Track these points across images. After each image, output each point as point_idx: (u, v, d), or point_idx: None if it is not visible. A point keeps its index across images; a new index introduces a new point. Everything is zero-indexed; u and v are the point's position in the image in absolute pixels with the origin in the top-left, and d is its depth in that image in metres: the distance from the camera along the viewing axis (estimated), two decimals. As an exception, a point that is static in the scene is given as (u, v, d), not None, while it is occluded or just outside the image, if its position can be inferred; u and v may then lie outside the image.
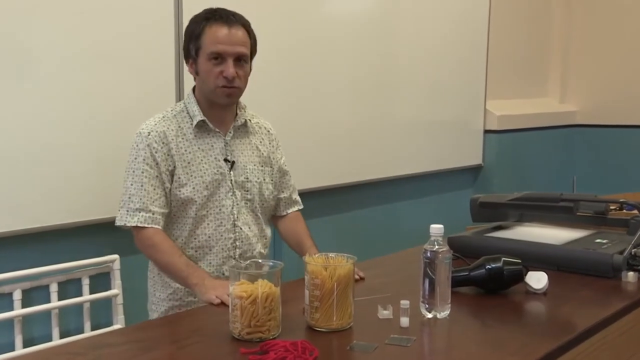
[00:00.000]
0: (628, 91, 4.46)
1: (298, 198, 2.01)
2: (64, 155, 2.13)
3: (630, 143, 4.46)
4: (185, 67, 2.37)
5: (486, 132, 4.06)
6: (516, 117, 4.19)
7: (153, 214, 1.71)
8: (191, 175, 1.75)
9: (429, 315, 1.43)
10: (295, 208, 2.00)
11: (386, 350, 1.26)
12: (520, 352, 1.26)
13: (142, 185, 1.72)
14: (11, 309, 2.06)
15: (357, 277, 1.69)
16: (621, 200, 2.08)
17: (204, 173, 1.76)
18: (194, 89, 1.84)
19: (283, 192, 1.96)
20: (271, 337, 1.30)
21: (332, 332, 1.35)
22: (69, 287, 2.21)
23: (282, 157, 1.96)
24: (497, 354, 1.26)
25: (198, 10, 2.41)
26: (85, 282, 2.23)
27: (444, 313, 1.44)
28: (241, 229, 1.81)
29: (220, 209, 1.79)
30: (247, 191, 1.83)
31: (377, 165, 3.32)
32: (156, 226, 1.72)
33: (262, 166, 1.87)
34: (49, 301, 2.14)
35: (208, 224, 1.78)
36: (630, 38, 4.43)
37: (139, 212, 1.71)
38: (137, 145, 1.76)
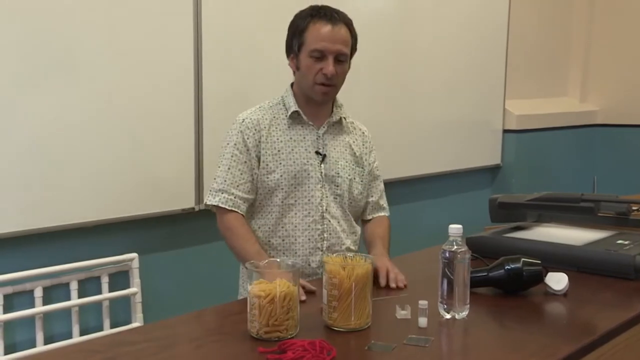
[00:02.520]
0: (649, 90, 4.41)
1: (385, 204, 2.01)
2: (84, 154, 2.15)
3: (652, 143, 4.42)
4: (204, 69, 2.43)
5: (505, 131, 4.03)
6: (535, 117, 4.16)
7: (234, 197, 1.74)
8: (280, 163, 1.77)
9: (447, 316, 1.43)
10: (382, 213, 1.99)
11: (404, 351, 1.26)
12: (539, 353, 1.25)
13: (228, 169, 1.75)
14: (32, 306, 2.09)
15: (392, 284, 1.66)
16: (643, 200, 2.07)
17: (294, 162, 1.78)
18: (292, 85, 1.86)
19: (372, 196, 1.96)
20: (289, 337, 1.30)
21: (350, 332, 1.35)
22: (88, 285, 2.24)
23: (375, 162, 1.97)
24: (516, 356, 1.25)
25: (216, 12, 2.44)
26: (105, 280, 2.26)
27: (462, 314, 1.43)
28: (330, 221, 1.81)
29: (309, 199, 1.79)
30: (337, 186, 1.83)
31: (395, 165, 3.31)
32: (236, 210, 1.75)
33: (354, 165, 1.88)
34: (69, 299, 2.17)
35: (296, 214, 1.79)
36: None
37: (221, 192, 1.74)
38: (231, 132, 1.80)
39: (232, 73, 2.52)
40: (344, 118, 1.89)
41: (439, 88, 3.53)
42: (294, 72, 1.82)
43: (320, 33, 1.72)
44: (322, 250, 1.80)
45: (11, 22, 1.97)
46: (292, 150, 1.79)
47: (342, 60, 1.76)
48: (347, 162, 1.86)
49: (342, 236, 1.83)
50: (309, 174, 1.79)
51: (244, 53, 2.55)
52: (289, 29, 1.80)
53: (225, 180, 1.75)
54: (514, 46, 4.02)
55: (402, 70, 3.30)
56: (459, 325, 1.42)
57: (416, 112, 3.40)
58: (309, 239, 1.79)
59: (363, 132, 1.95)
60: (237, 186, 1.75)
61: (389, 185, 3.37)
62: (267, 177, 1.77)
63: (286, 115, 1.81)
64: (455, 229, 1.43)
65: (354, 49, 1.81)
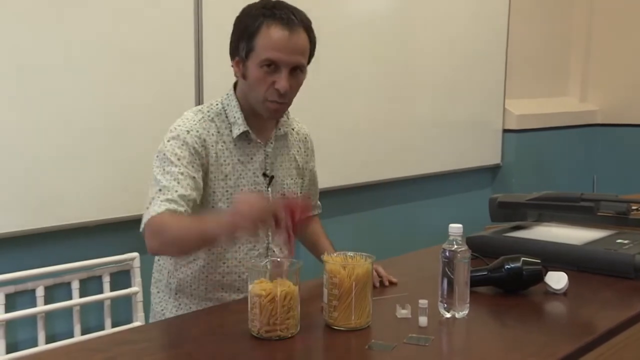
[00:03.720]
0: (649, 90, 4.42)
1: (319, 203, 1.92)
2: (85, 155, 2.15)
3: (652, 143, 4.42)
4: (205, 67, 2.42)
5: (505, 131, 4.04)
6: (535, 117, 4.17)
7: (186, 210, 1.45)
8: (226, 191, 1.55)
9: (448, 315, 1.43)
10: (316, 212, 1.89)
11: (404, 350, 1.26)
12: (540, 353, 1.26)
13: (178, 182, 1.45)
14: (34, 305, 2.09)
15: (386, 283, 1.67)
16: (643, 200, 2.08)
17: (241, 190, 1.57)
18: (235, 86, 1.61)
19: (309, 198, 1.83)
20: (290, 335, 1.31)
21: (351, 331, 1.35)
22: (90, 285, 2.24)
23: (314, 165, 1.81)
24: (516, 355, 1.25)
25: (217, 8, 2.44)
26: (106, 280, 2.26)
27: (462, 313, 1.43)
28: (274, 251, 1.66)
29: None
30: None
31: (395, 164, 3.32)
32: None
33: (297, 178, 1.72)
34: (70, 298, 2.17)
35: (240, 247, 1.61)
36: (652, 36, 4.40)
37: (169, 203, 1.42)
38: (172, 143, 1.50)
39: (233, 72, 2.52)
40: (291, 128, 1.69)
41: (439, 88, 3.53)
42: (237, 78, 1.58)
43: (274, 40, 1.45)
44: None
45: (10, 20, 1.97)
46: (240, 176, 1.57)
47: (299, 70, 1.51)
48: (292, 178, 1.69)
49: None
50: None
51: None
52: (236, 27, 1.53)
53: (176, 191, 1.44)
54: (514, 46, 4.02)
55: (402, 70, 3.30)
56: (459, 324, 1.42)
57: (416, 112, 3.41)
58: (253, 249, 1.63)
59: (305, 137, 1.75)
60: (188, 201, 1.45)
61: (390, 184, 3.40)
62: (213, 207, 1.54)
63: (231, 131, 1.56)
64: (455, 228, 1.43)
65: (312, 54, 1.56)
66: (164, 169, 1.48)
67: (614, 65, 4.54)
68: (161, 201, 1.43)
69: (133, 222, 2.29)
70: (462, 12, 3.62)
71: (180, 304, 1.65)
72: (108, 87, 2.19)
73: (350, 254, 1.43)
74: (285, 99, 1.52)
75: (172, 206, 1.42)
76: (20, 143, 2.01)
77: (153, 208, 1.43)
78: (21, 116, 2.01)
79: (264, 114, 1.55)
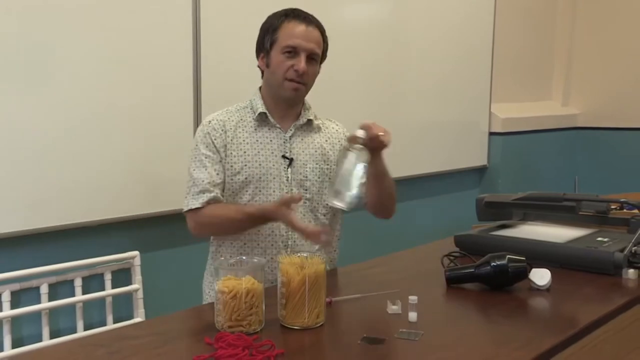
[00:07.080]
0: (629, 95, 4.48)
1: None
2: (87, 155, 2.18)
3: (630, 145, 4.49)
4: (203, 71, 2.45)
5: (491, 134, 4.08)
6: (520, 120, 4.22)
7: (215, 194, 1.70)
8: (245, 165, 1.73)
9: (339, 205, 1.52)
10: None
11: (395, 344, 1.29)
12: (525, 346, 1.28)
13: (205, 169, 1.71)
14: (38, 302, 2.12)
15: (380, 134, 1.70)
16: (622, 200, 2.12)
17: (259, 165, 1.74)
18: (260, 88, 1.82)
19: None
20: (252, 332, 1.32)
21: (345, 327, 1.37)
22: (92, 282, 2.26)
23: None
24: (502, 349, 1.28)
25: (216, 13, 2.48)
26: (108, 277, 2.28)
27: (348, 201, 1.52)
28: (296, 242, 1.75)
29: None
30: (306, 190, 1.77)
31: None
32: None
33: (324, 164, 1.81)
34: (73, 295, 2.20)
35: (259, 231, 1.73)
36: (632, 42, 4.45)
37: (203, 193, 1.69)
38: (198, 134, 1.76)
39: (231, 73, 2.52)
40: (313, 119, 1.83)
41: (428, 92, 3.58)
42: (262, 74, 1.79)
43: (294, 31, 1.70)
44: None
45: (10, 21, 2.00)
46: (258, 152, 1.74)
47: (314, 60, 1.73)
48: (317, 163, 1.79)
49: (309, 242, 1.73)
50: (274, 178, 1.74)
51: (243, 53, 2.59)
52: (261, 29, 1.77)
53: (204, 181, 1.70)
54: (500, 52, 4.07)
55: (392, 74, 3.34)
56: (448, 319, 1.46)
57: (406, 116, 3.45)
58: (272, 245, 1.74)
59: (337, 130, 1.89)
60: (216, 185, 1.71)
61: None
62: (232, 179, 1.73)
63: (253, 117, 1.76)
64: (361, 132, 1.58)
65: (324, 54, 1.79)
66: (195, 157, 1.74)
67: (595, 71, 4.62)
68: (196, 194, 1.70)
69: (134, 222, 2.34)
70: (450, 19, 3.67)
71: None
72: (108, 89, 2.21)
73: (305, 254, 1.42)
74: (302, 80, 1.72)
75: (206, 196, 1.69)
76: (21, 144, 2.03)
77: (191, 202, 1.71)
78: (22, 117, 2.03)
79: (284, 93, 1.74)
